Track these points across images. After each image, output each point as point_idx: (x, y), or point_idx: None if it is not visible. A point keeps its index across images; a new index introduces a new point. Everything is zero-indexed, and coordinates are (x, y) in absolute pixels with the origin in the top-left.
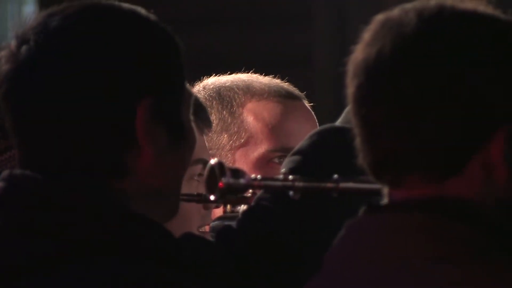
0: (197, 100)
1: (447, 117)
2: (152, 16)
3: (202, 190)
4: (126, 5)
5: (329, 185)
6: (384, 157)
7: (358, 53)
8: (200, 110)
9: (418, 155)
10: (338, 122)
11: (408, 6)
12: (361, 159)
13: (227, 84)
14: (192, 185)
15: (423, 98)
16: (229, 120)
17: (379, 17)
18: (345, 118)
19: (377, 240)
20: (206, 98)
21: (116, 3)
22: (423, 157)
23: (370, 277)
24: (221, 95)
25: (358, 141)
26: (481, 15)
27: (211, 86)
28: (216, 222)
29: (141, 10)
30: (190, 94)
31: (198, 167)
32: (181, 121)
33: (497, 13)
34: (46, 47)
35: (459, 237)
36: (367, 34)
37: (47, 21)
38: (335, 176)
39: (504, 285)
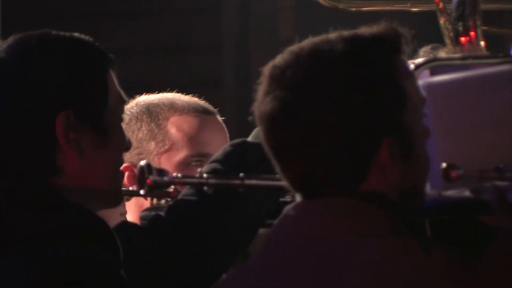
0: None
1: (348, 140)
2: (78, 37)
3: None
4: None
5: (236, 181)
6: (297, 178)
7: (259, 103)
8: None
9: (328, 173)
10: (249, 138)
11: (291, 49)
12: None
13: (155, 101)
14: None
15: (318, 129)
16: (156, 130)
17: (268, 68)
18: (254, 134)
19: (316, 219)
20: (138, 112)
21: (50, 32)
22: (333, 173)
23: (310, 249)
24: (149, 110)
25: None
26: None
27: (142, 103)
28: (145, 213)
29: (70, 34)
30: (121, 100)
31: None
32: (104, 126)
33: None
34: None
35: (379, 218)
36: (261, 86)
37: None
38: (241, 174)
39: (409, 250)
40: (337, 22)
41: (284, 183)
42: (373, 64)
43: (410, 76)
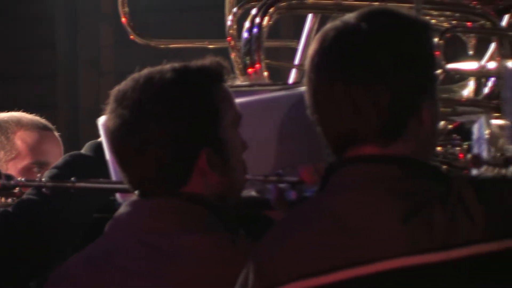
0: None
1: (173, 150)
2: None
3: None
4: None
5: (68, 184)
6: (134, 180)
7: (107, 119)
8: None
9: (158, 177)
10: (82, 150)
11: (132, 76)
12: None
13: (5, 118)
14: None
15: (150, 140)
16: (5, 142)
17: (114, 91)
18: (86, 148)
19: (147, 215)
20: None
21: None
22: (162, 177)
23: (142, 240)
24: (0, 125)
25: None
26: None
27: None
28: None
29: None
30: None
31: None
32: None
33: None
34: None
35: (197, 216)
36: (108, 106)
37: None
38: (73, 178)
39: (221, 243)
40: (151, 56)
41: (107, 185)
42: (195, 89)
43: (229, 98)
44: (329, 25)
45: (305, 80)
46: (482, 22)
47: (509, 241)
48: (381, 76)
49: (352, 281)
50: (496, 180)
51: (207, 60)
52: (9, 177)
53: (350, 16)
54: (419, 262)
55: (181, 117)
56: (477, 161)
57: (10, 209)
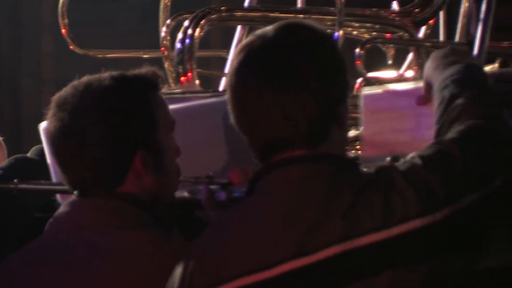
0: None
1: (110, 152)
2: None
3: None
4: None
5: (11, 185)
6: (73, 180)
7: (48, 123)
8: None
9: (96, 177)
10: (28, 154)
11: (73, 83)
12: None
13: None
14: None
15: (88, 143)
16: None
17: (55, 97)
18: (32, 152)
19: (85, 213)
20: None
21: None
22: (99, 177)
23: (80, 237)
24: None
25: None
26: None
27: None
28: None
29: None
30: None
31: None
32: None
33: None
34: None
35: (132, 214)
36: (50, 111)
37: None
38: (16, 180)
39: (154, 240)
40: (90, 65)
41: (48, 186)
42: (131, 96)
43: (163, 105)
44: (251, 38)
45: (228, 90)
46: (401, 33)
47: (438, 214)
48: (306, 85)
49: (294, 272)
50: (414, 165)
51: (143, 69)
52: None
53: (269, 29)
54: (363, 243)
55: (118, 122)
56: (396, 161)
57: None
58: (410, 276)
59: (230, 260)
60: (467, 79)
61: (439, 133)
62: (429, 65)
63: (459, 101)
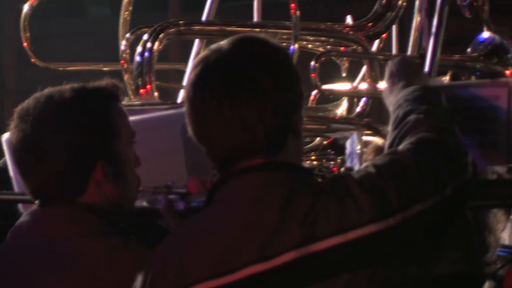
0: None
1: (71, 162)
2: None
3: None
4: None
5: None
6: (34, 190)
7: (10, 133)
8: None
9: (57, 187)
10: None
11: (35, 95)
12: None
13: None
14: None
15: (48, 153)
16: None
17: (18, 109)
18: (1, 163)
19: (46, 222)
20: None
21: None
22: (60, 187)
23: (41, 245)
24: None
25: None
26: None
27: None
28: None
29: None
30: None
31: None
32: None
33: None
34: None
35: (92, 223)
36: (12, 122)
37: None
38: None
39: (113, 247)
40: (52, 77)
41: (10, 196)
42: (92, 107)
43: (123, 116)
44: (206, 52)
45: (186, 102)
46: (354, 46)
47: (391, 220)
48: (263, 94)
49: (255, 276)
50: (368, 173)
51: (104, 81)
52: None
53: (224, 43)
54: (320, 248)
55: (78, 132)
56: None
57: None
58: (366, 281)
59: (193, 266)
60: (419, 98)
61: (391, 147)
62: (385, 91)
63: (411, 117)
